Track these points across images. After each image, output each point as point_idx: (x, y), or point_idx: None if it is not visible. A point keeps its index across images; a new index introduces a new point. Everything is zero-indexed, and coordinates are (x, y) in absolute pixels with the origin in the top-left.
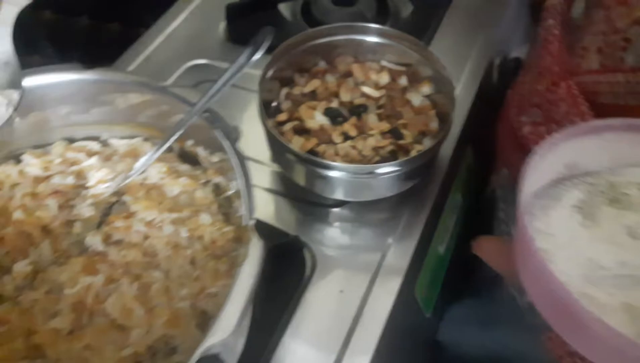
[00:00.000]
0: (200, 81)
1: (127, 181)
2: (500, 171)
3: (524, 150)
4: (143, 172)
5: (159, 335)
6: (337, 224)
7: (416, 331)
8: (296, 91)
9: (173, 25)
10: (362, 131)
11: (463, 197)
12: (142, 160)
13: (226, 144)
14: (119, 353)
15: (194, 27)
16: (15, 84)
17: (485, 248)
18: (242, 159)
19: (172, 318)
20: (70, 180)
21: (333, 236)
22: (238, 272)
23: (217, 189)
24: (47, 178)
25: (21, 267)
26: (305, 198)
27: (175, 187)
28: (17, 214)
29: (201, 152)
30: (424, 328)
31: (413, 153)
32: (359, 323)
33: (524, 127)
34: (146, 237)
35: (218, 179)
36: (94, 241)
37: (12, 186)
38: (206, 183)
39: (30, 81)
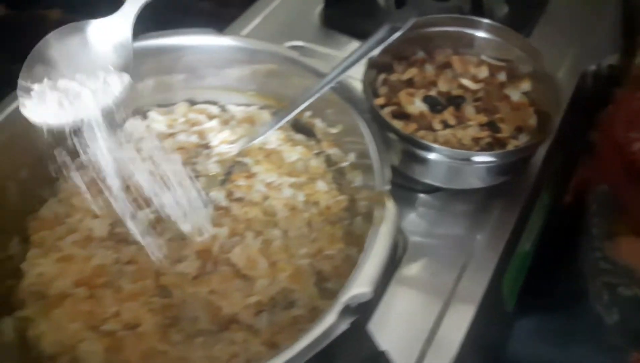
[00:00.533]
0: None
1: (251, 143)
2: (597, 186)
3: (633, 167)
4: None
5: (281, 288)
6: (424, 210)
7: (496, 327)
8: (393, 77)
9: (271, 6)
10: (461, 121)
11: (549, 198)
12: (266, 125)
13: (359, 114)
14: (244, 300)
15: (291, 10)
16: (127, 68)
17: (626, 249)
18: (375, 128)
19: (294, 274)
20: (193, 139)
21: (420, 222)
22: (376, 231)
23: (329, 161)
24: (172, 135)
25: (145, 215)
26: (395, 181)
27: (293, 154)
28: (147, 166)
29: (319, 124)
30: (503, 325)
31: (509, 147)
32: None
33: (634, 143)
34: (265, 197)
35: (332, 150)
36: (218, 196)
37: (140, 140)
38: (319, 153)
39: (163, 41)
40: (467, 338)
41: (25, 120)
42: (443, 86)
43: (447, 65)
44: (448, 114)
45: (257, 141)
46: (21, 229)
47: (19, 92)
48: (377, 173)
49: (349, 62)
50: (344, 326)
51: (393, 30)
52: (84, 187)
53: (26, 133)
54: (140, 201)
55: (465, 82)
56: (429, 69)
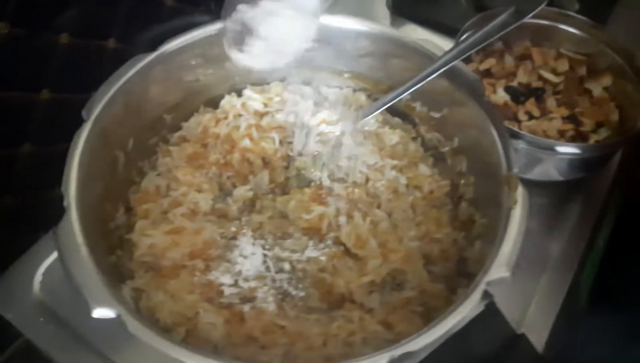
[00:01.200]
0: None
1: (355, 124)
2: None
3: None
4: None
5: (391, 269)
6: None
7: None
8: (470, 67)
9: None
10: (544, 113)
11: (621, 195)
12: (369, 107)
13: (474, 99)
14: (358, 279)
15: None
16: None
17: None
18: (494, 111)
19: (405, 256)
20: (291, 118)
21: None
22: (511, 214)
23: (426, 145)
24: (268, 113)
25: (242, 192)
26: None
27: (393, 136)
28: (244, 143)
29: (419, 107)
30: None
31: (591, 142)
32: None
33: None
34: (368, 179)
35: (431, 135)
36: (321, 176)
37: (237, 117)
38: (415, 137)
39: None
40: (550, 335)
41: (138, 90)
42: (523, 77)
43: (525, 56)
44: (530, 105)
45: (357, 123)
46: (125, 200)
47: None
48: (501, 156)
49: (466, 46)
50: (481, 307)
51: (519, 15)
52: (183, 162)
53: (137, 103)
54: (238, 177)
55: (546, 74)
56: (508, 60)
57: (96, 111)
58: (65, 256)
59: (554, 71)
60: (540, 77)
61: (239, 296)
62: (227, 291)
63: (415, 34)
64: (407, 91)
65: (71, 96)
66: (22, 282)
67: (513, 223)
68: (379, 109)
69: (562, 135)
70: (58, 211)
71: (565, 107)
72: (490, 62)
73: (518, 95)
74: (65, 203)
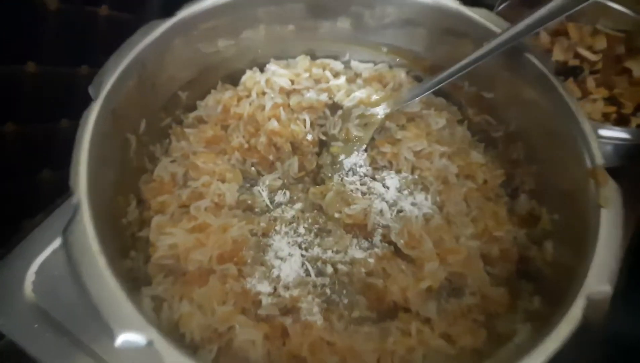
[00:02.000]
0: None
1: (398, 106)
2: None
3: None
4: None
5: (449, 273)
6: None
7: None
8: None
9: None
10: (585, 94)
11: None
12: (415, 88)
13: (548, 77)
14: (415, 285)
15: None
16: None
17: None
18: (567, 90)
19: (466, 257)
20: (323, 97)
21: None
22: (606, 216)
23: (473, 129)
24: (297, 91)
25: (271, 180)
26: None
27: (439, 119)
28: (271, 125)
29: (468, 87)
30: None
31: (633, 125)
32: None
33: None
34: (414, 168)
35: (481, 118)
36: (361, 163)
37: (260, 95)
38: (462, 120)
39: None
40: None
41: (153, 62)
42: (559, 54)
43: (560, 32)
44: (571, 85)
45: (400, 105)
46: (137, 191)
47: None
48: (580, 144)
49: (532, 22)
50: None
51: None
52: (201, 147)
53: (151, 78)
54: (264, 164)
55: (584, 52)
56: (543, 35)
57: (107, 87)
58: (80, 269)
59: (590, 49)
60: (577, 55)
61: (279, 307)
62: (266, 301)
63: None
64: (464, 70)
65: (60, 69)
66: (12, 283)
67: (607, 224)
68: (428, 90)
69: (606, 118)
70: (48, 197)
71: (605, 88)
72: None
73: (557, 74)
74: (75, 200)
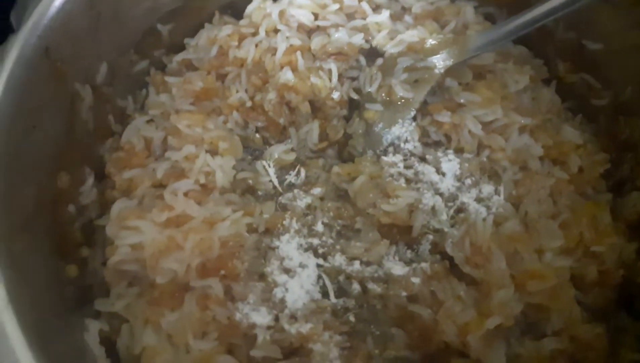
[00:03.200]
0: None
1: (464, 57)
2: None
3: None
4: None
5: (527, 304)
6: None
7: None
8: None
9: None
10: None
11: None
12: (489, 33)
13: None
14: (480, 324)
15: None
16: None
17: None
18: None
19: (554, 286)
20: (357, 40)
21: None
22: None
23: (570, 91)
24: (321, 29)
25: (280, 152)
26: None
27: (520, 77)
28: (284, 76)
29: (561, 32)
30: None
31: None
32: None
33: None
34: (481, 145)
35: (578, 77)
36: (408, 137)
37: (271, 33)
38: (548, 80)
39: None
40: None
41: None
42: None
43: None
44: None
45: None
46: (97, 162)
47: None
48: None
49: None
50: None
51: None
52: (187, 103)
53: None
54: (273, 129)
55: None
56: None
57: (35, 15)
58: None
59: None
60: None
61: (281, 346)
62: (263, 337)
63: None
64: (560, 11)
65: None
66: None
67: None
68: (508, 37)
69: None
70: None
71: None
72: None
73: None
74: None
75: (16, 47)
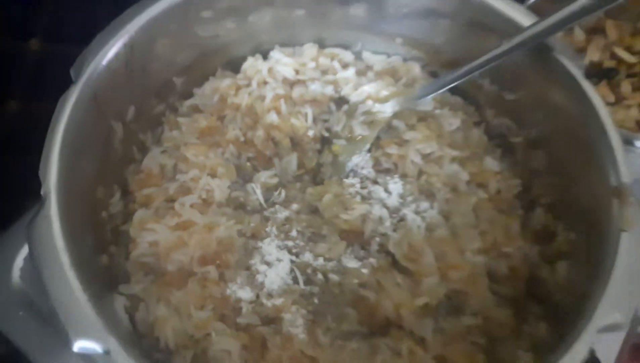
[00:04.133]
0: None
1: (409, 103)
2: None
3: None
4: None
5: (450, 290)
6: None
7: None
8: None
9: None
10: (619, 99)
11: None
12: (428, 84)
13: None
14: (411, 300)
15: None
16: None
17: None
18: (597, 99)
19: (470, 274)
20: (329, 90)
21: None
22: (626, 239)
23: (491, 132)
24: (301, 82)
25: (266, 178)
26: None
27: (454, 120)
28: (270, 117)
29: (488, 86)
30: None
31: None
32: None
33: None
34: (421, 172)
35: (500, 120)
36: (364, 165)
37: (261, 84)
38: (479, 123)
39: None
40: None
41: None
42: (594, 54)
43: (597, 30)
44: (603, 89)
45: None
46: (123, 181)
47: None
48: (606, 159)
49: (564, 16)
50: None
51: None
52: (194, 138)
53: (140, 62)
54: (261, 159)
55: (621, 52)
56: (578, 33)
57: (89, 70)
58: (41, 266)
59: (629, 49)
60: (614, 56)
61: (260, 316)
62: (246, 308)
63: None
64: (483, 67)
65: (64, 47)
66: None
67: (628, 250)
68: (442, 87)
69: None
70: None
71: None
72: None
73: (589, 76)
74: (42, 191)
75: (74, 93)
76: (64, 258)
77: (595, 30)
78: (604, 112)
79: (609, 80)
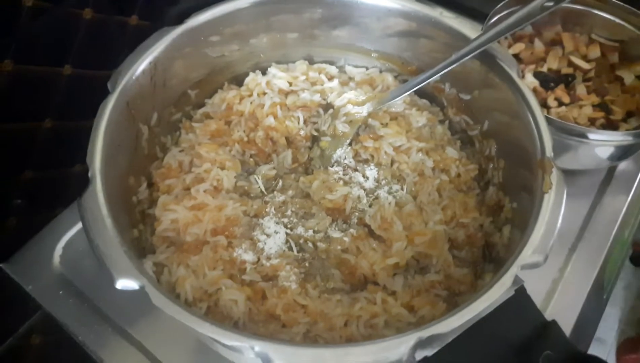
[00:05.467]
0: None
1: (381, 106)
2: None
3: None
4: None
5: (416, 252)
6: None
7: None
8: None
9: None
10: (574, 100)
11: None
12: (396, 89)
13: (514, 80)
14: (382, 262)
15: None
16: None
17: None
18: (529, 94)
19: (431, 239)
20: (317, 98)
21: None
22: (547, 199)
23: (453, 128)
24: (294, 92)
25: (266, 170)
26: None
27: (420, 119)
28: (269, 121)
29: (448, 89)
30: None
31: (622, 130)
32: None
33: None
34: (393, 161)
35: (460, 118)
36: (346, 156)
37: (261, 95)
38: (443, 120)
39: None
40: (576, 323)
41: (164, 63)
42: (552, 62)
43: (555, 42)
44: (560, 92)
45: (385, 105)
46: (148, 174)
47: None
48: (536, 140)
49: (501, 28)
50: (511, 292)
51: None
52: (206, 139)
53: (162, 77)
54: (261, 155)
55: (577, 60)
56: (538, 45)
57: (122, 83)
58: (89, 227)
59: (584, 58)
60: (571, 64)
61: (261, 274)
62: (250, 268)
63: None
64: (437, 73)
65: (93, 72)
66: (43, 255)
67: (547, 206)
68: (406, 91)
69: (592, 123)
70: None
71: (596, 95)
72: (519, 47)
73: (548, 81)
74: (90, 174)
75: (111, 101)
76: (108, 221)
77: (554, 42)
78: (534, 103)
79: (567, 85)
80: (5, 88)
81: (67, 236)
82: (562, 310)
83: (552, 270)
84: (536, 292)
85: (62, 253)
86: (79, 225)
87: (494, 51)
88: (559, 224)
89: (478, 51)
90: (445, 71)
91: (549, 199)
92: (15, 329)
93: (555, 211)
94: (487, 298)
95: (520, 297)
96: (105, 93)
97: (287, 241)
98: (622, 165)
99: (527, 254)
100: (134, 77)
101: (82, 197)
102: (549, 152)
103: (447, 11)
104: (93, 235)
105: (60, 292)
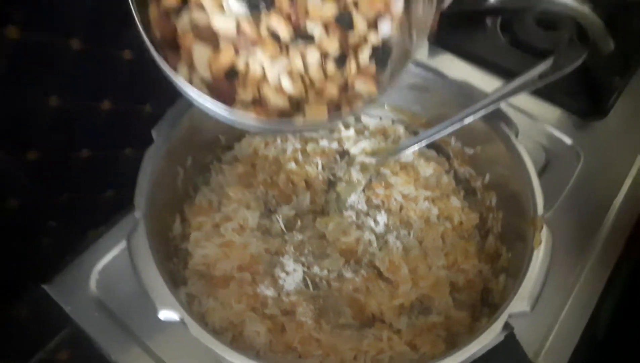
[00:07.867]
0: None
1: (392, 157)
2: None
3: None
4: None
5: (420, 294)
6: None
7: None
8: None
9: None
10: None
11: None
12: (406, 141)
13: (507, 143)
14: (389, 302)
15: None
16: None
17: None
18: (525, 156)
19: (434, 283)
20: (334, 146)
21: None
22: (536, 254)
23: (458, 178)
24: (314, 140)
25: (286, 211)
26: None
27: (427, 169)
28: (290, 166)
29: (454, 142)
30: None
31: (364, 52)
32: None
33: None
34: (402, 207)
35: (464, 169)
36: (359, 201)
37: (284, 141)
38: (449, 171)
39: None
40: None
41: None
42: None
43: None
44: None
45: (396, 155)
46: (181, 212)
47: None
48: (529, 198)
49: (508, 90)
50: (501, 337)
51: (558, 67)
52: (234, 180)
53: (198, 124)
54: (282, 197)
55: None
56: None
57: (165, 132)
58: (136, 263)
59: None
60: None
61: (280, 309)
62: (271, 303)
63: (453, 65)
64: (447, 130)
65: (128, 107)
66: (80, 279)
67: (536, 261)
68: (414, 144)
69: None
70: (108, 212)
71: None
72: None
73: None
74: (137, 215)
75: (154, 149)
76: (152, 258)
77: None
78: (529, 164)
79: None
80: (51, 120)
81: (103, 261)
82: (555, 355)
83: (546, 316)
84: (530, 337)
85: (98, 277)
86: (114, 252)
87: (497, 110)
88: (542, 280)
89: (482, 112)
90: (451, 129)
91: (537, 255)
92: (45, 344)
93: (543, 266)
94: (478, 342)
95: (509, 342)
96: (140, 129)
97: (304, 279)
98: None
99: (516, 304)
100: (175, 126)
101: (130, 235)
102: (540, 211)
103: (460, 60)
104: (139, 269)
105: (96, 314)
